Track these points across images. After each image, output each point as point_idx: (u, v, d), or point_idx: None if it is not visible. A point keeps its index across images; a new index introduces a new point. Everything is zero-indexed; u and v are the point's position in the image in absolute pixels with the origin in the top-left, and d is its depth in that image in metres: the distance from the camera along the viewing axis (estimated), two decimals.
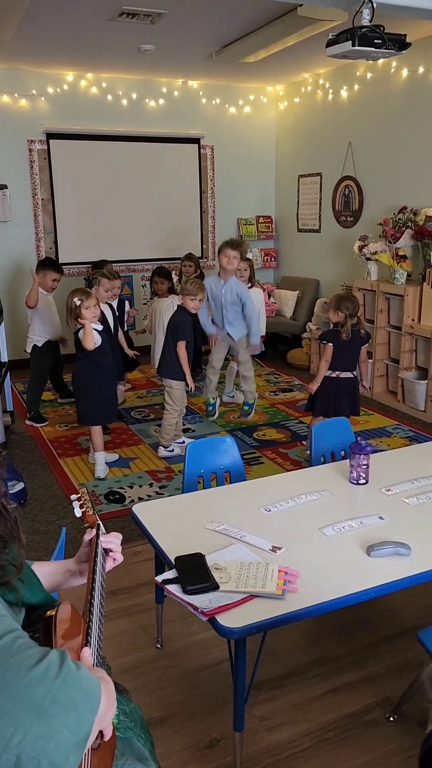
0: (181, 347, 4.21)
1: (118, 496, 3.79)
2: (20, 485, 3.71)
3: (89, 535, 1.42)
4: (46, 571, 1.43)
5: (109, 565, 1.43)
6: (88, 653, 1.08)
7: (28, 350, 5.08)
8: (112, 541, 1.43)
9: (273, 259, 7.76)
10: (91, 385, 3.96)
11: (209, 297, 4.66)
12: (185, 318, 4.25)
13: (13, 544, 1.06)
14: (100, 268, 5.70)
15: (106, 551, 1.42)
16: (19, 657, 0.87)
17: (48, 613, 1.08)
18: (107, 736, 1.07)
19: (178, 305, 4.32)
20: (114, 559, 1.44)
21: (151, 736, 1.43)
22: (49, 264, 5.14)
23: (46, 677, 0.85)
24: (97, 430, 4.08)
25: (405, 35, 3.19)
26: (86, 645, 1.10)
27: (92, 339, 3.82)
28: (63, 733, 0.83)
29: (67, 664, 0.89)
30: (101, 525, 1.45)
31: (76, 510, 1.48)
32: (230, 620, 1.64)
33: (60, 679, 0.86)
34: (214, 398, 5.00)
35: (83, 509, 1.47)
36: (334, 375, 3.92)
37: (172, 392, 4.30)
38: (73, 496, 1.52)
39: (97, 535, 1.40)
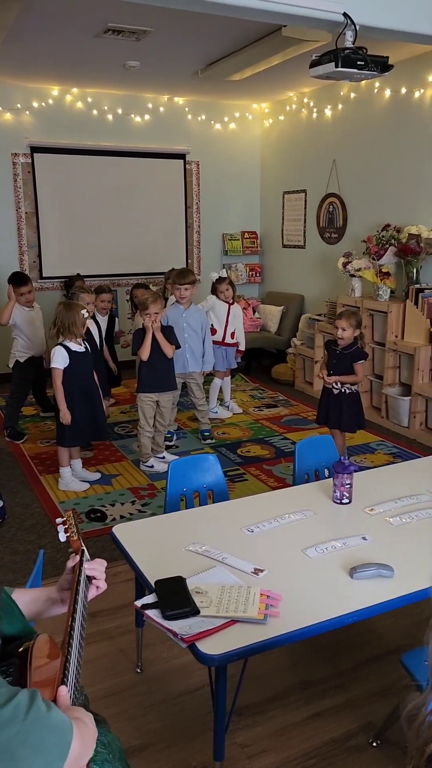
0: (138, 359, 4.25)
1: (99, 514, 3.74)
2: None
3: (73, 561, 1.38)
4: (27, 599, 1.39)
5: (92, 593, 1.39)
6: (64, 692, 1.04)
7: (11, 365, 5.03)
8: (96, 568, 1.39)
9: (258, 274, 7.79)
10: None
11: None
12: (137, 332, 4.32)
13: None
14: (73, 283, 5.71)
15: (90, 579, 1.38)
16: None
17: (24, 646, 1.04)
18: None
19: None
20: (97, 587, 1.40)
21: None
22: (13, 279, 4.98)
23: (14, 718, 0.82)
24: (62, 448, 4.08)
25: (387, 57, 3.23)
26: (63, 681, 1.06)
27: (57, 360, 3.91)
28: None
29: (36, 705, 0.85)
30: (85, 551, 1.41)
31: (60, 534, 1.44)
32: (210, 647, 1.60)
33: (29, 721, 0.82)
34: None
35: (68, 534, 1.43)
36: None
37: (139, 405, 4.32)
38: (59, 520, 1.47)
39: (81, 562, 1.36)
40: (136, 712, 2.20)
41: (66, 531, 1.45)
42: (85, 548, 1.42)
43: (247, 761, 1.99)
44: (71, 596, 1.28)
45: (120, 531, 2.22)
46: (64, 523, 1.47)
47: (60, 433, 4.03)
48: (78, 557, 1.38)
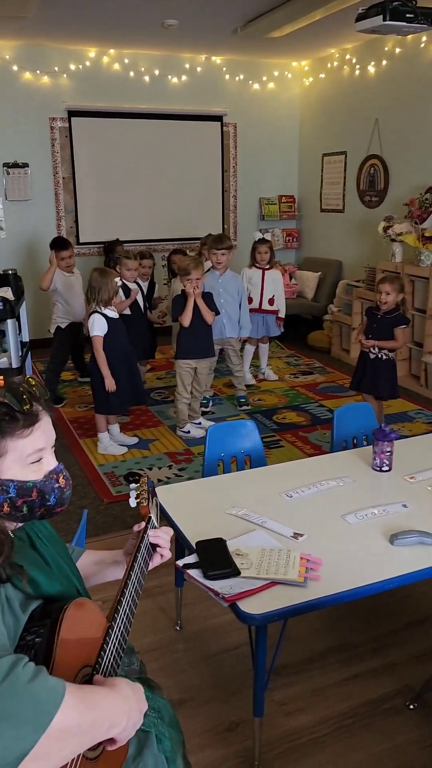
0: (179, 323, 4.23)
1: (137, 477, 3.79)
2: None
3: (138, 527, 1.38)
4: (94, 560, 1.41)
5: (156, 561, 1.38)
6: (97, 679, 1.01)
7: (52, 331, 5.10)
8: (161, 536, 1.38)
9: (295, 239, 7.66)
10: (97, 375, 3.96)
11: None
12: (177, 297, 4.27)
13: None
14: (113, 248, 5.72)
15: (154, 546, 1.37)
16: None
17: (64, 608, 1.04)
18: (117, 745, 0.99)
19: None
20: (162, 555, 1.39)
21: (181, 734, 1.40)
22: (54, 243, 5.05)
23: None
24: (99, 415, 4.13)
25: None
26: (102, 647, 1.06)
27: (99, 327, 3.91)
28: None
29: (15, 674, 0.82)
30: (153, 519, 1.39)
31: (131, 500, 1.42)
32: (251, 607, 1.63)
33: (1, 691, 0.79)
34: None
35: (138, 500, 1.42)
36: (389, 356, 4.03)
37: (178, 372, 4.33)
38: (132, 486, 1.46)
39: (146, 529, 1.36)
40: (176, 667, 2.26)
41: (137, 497, 1.43)
42: (153, 516, 1.40)
43: (284, 718, 2.04)
44: (129, 563, 1.28)
45: (160, 493, 2.25)
46: (137, 488, 1.45)
47: (97, 401, 4.07)
48: (143, 523, 1.37)
